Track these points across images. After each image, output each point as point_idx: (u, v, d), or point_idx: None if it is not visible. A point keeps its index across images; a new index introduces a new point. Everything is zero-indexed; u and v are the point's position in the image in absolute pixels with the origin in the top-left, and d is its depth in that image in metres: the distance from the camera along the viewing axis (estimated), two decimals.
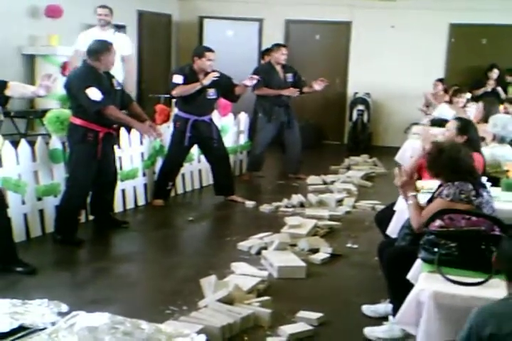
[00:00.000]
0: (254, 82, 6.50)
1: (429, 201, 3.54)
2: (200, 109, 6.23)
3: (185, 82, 6.07)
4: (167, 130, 6.47)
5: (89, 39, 6.54)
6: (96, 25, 7.25)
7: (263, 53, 9.14)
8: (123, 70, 7.26)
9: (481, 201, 3.30)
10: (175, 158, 6.31)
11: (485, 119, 5.84)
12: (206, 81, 6.06)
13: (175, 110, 6.48)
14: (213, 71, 6.14)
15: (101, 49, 4.99)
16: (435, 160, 3.46)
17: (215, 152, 6.42)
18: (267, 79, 7.46)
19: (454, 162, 3.39)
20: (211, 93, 6.25)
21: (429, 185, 3.98)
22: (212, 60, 6.11)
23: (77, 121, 4.96)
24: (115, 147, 5.40)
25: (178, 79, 6.09)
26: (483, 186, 3.42)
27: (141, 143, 6.21)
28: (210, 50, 6.16)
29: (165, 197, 6.35)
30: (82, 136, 4.93)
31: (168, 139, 6.37)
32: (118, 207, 5.82)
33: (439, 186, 3.56)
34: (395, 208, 4.18)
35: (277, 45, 7.77)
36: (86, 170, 4.99)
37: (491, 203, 3.38)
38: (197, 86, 6.07)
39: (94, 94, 4.84)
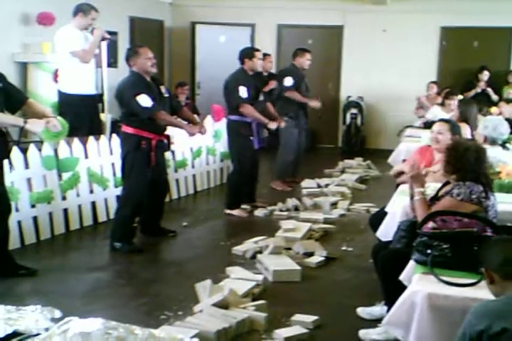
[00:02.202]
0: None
1: (432, 199, 3.54)
2: (258, 110, 6.24)
3: (249, 94, 6.08)
4: None
5: (78, 38, 6.40)
6: (69, 24, 6.31)
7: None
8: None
9: (488, 204, 3.32)
10: (248, 162, 6.23)
11: (460, 119, 5.83)
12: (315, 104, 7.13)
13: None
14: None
15: (128, 55, 5.08)
16: (459, 157, 3.43)
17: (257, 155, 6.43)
18: (298, 82, 7.43)
19: (477, 161, 3.41)
20: (262, 96, 6.38)
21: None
22: (261, 59, 6.30)
23: (129, 130, 4.97)
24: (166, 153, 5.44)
25: (244, 92, 6.07)
26: (491, 189, 3.43)
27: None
28: (258, 49, 6.37)
29: (240, 204, 6.31)
30: (136, 144, 4.93)
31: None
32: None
33: (444, 184, 3.57)
34: (386, 210, 4.20)
35: (302, 50, 7.66)
36: (140, 178, 4.99)
37: (496, 206, 3.39)
38: (264, 120, 6.15)
39: (144, 100, 4.86)
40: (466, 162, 3.40)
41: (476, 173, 3.38)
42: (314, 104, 7.59)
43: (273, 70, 8.99)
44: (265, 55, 7.78)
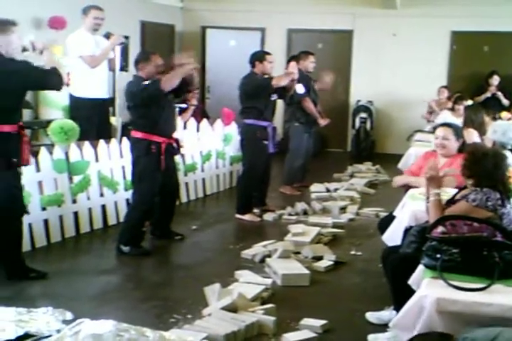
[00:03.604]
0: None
1: (448, 202, 3.55)
2: (271, 114, 6.25)
3: None
4: None
5: (89, 43, 6.42)
6: (80, 28, 6.37)
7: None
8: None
9: (503, 212, 3.31)
10: (261, 166, 6.22)
11: (466, 124, 5.84)
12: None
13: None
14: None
15: (138, 59, 5.10)
16: (476, 161, 3.42)
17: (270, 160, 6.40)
18: (308, 88, 7.36)
19: (495, 168, 3.38)
20: (274, 96, 6.32)
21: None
22: (272, 62, 6.22)
23: (139, 135, 5.00)
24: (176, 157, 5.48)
25: None
26: (508, 197, 3.41)
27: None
28: (269, 53, 6.32)
29: (251, 209, 6.28)
30: (146, 148, 4.95)
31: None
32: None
33: (461, 189, 3.57)
34: (394, 214, 4.20)
35: (305, 53, 7.56)
36: (151, 182, 5.01)
37: (511, 215, 3.37)
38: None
39: None
40: (482, 167, 3.38)
41: (493, 180, 3.36)
42: (322, 122, 7.53)
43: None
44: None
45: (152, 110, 4.94)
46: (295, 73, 6.31)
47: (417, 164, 4.84)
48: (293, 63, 6.51)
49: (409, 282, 3.07)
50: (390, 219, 4.31)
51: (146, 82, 4.90)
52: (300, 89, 7.27)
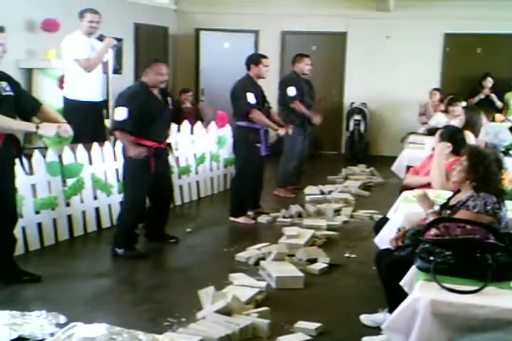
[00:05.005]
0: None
1: (443, 207, 3.56)
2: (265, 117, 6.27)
3: (257, 100, 6.10)
4: None
5: (84, 46, 6.41)
6: (77, 31, 6.35)
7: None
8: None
9: (501, 215, 3.32)
10: (253, 169, 6.24)
11: (465, 126, 5.85)
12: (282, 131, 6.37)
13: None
14: None
15: (149, 63, 5.05)
16: (478, 164, 3.40)
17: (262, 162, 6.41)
18: (301, 91, 7.38)
19: (493, 172, 3.38)
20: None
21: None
22: (268, 66, 6.23)
23: (130, 138, 4.95)
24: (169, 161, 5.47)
25: (252, 98, 6.08)
26: (503, 200, 3.42)
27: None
28: (265, 56, 6.31)
29: (245, 211, 6.27)
30: None
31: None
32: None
33: (455, 193, 3.57)
34: (387, 216, 4.21)
35: (300, 55, 7.57)
36: (140, 185, 5.01)
37: (506, 217, 3.38)
38: (273, 126, 6.24)
39: (119, 113, 4.86)
40: (482, 171, 3.38)
41: (491, 183, 3.36)
42: (316, 120, 7.51)
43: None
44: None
45: (146, 117, 4.92)
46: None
47: (421, 164, 4.93)
48: None
49: (401, 283, 3.08)
50: (385, 221, 4.32)
51: (115, 116, 4.87)
52: (291, 91, 7.29)
